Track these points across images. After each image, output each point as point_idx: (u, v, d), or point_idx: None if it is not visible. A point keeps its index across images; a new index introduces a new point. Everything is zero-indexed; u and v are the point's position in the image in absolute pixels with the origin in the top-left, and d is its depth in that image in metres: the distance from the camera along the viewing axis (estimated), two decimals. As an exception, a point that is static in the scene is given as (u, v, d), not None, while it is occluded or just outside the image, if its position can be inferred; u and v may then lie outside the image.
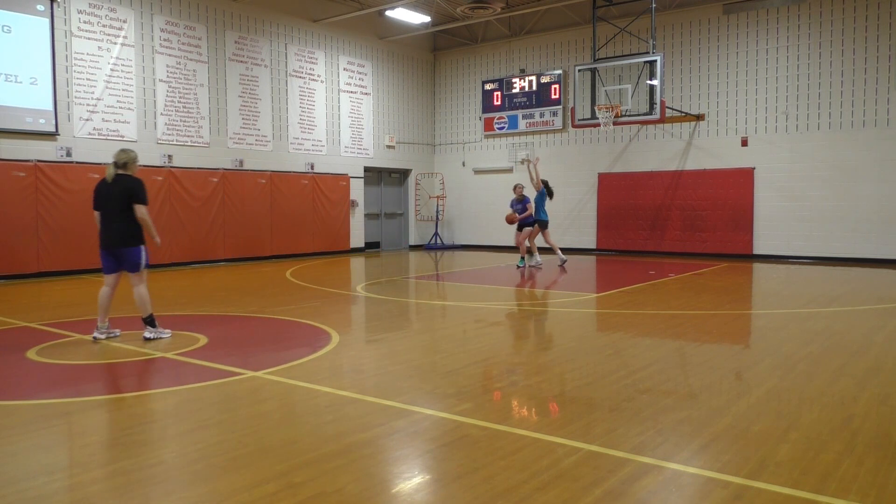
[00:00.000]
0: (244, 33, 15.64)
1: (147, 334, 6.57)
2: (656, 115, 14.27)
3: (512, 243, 19.31)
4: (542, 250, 15.16)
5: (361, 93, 18.53)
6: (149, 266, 6.81)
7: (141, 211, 6.47)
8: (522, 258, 13.95)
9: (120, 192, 6.46)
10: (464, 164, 20.35)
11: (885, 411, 4.27)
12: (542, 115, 18.63)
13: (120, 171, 6.54)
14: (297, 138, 16.85)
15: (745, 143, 15.81)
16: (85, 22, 12.90)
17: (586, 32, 17.30)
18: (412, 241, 20.52)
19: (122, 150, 6.65)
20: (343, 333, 6.98)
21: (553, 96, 18.38)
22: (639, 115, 14.80)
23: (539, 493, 3.06)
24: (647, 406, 4.40)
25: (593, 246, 17.85)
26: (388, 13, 17.38)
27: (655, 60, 14.05)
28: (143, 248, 6.60)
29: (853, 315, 7.92)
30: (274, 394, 4.78)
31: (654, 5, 14.44)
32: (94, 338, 6.56)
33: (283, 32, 16.48)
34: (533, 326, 7.64)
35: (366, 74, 18.62)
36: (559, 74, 18.24)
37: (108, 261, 6.61)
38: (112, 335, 6.69)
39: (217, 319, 7.94)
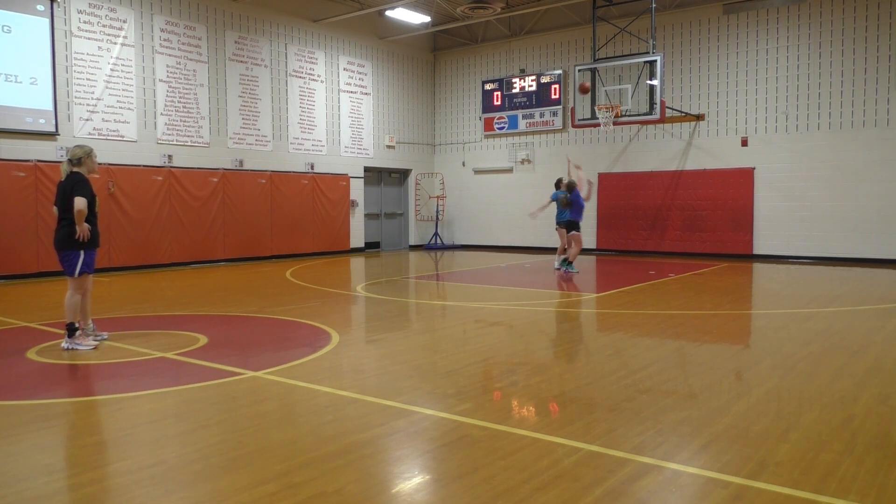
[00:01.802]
0: (244, 33, 15.64)
1: (63, 344, 6.18)
2: (656, 115, 14.27)
3: (516, 243, 19.33)
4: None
5: (361, 93, 18.53)
6: (92, 272, 6.40)
7: (78, 203, 6.02)
8: (569, 262, 12.62)
9: (64, 191, 6.15)
10: (464, 164, 20.35)
11: (885, 411, 4.27)
12: (542, 115, 18.63)
13: (74, 168, 6.21)
14: (297, 138, 16.85)
15: (745, 143, 15.81)
16: (85, 22, 12.90)
17: (586, 32, 17.30)
18: (412, 241, 20.52)
19: (77, 146, 6.34)
20: (343, 333, 6.98)
21: (553, 96, 18.38)
22: (639, 115, 14.80)
23: (539, 493, 3.06)
24: (647, 406, 4.40)
25: (593, 246, 17.84)
26: (388, 13, 17.38)
27: (655, 60, 14.05)
28: (80, 253, 6.20)
29: (853, 315, 7.92)
30: (274, 394, 4.78)
31: (654, 5, 14.45)
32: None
33: (283, 32, 16.48)
34: (533, 326, 7.64)
35: (366, 74, 18.62)
36: (559, 74, 18.23)
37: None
38: (99, 338, 6.51)
39: (217, 319, 7.94)
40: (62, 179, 6.25)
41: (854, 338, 6.60)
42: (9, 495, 3.10)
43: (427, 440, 3.83)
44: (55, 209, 6.29)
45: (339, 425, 4.06)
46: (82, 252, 6.24)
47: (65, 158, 6.29)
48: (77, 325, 6.26)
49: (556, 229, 13.28)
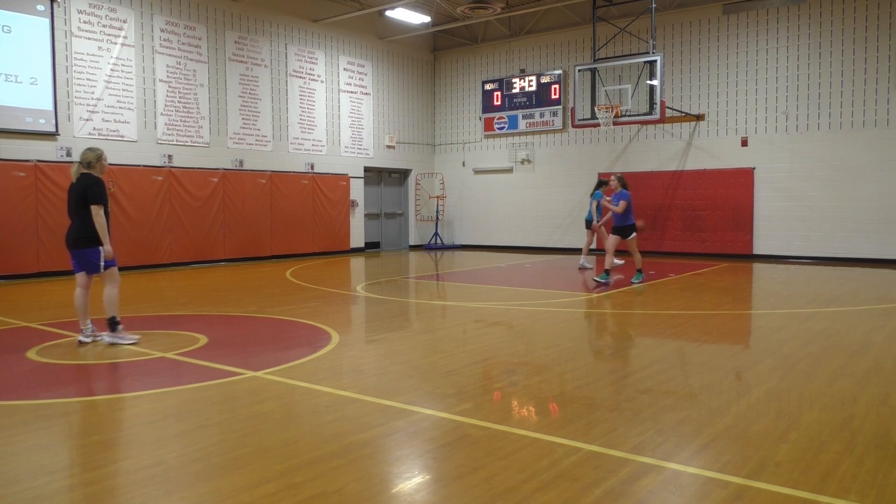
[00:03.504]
0: (244, 33, 15.64)
1: (106, 338, 6.35)
2: (656, 115, 14.27)
3: (516, 244, 19.32)
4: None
5: (361, 93, 18.52)
6: (114, 265, 6.51)
7: (94, 211, 6.24)
8: (607, 271, 11.14)
9: (77, 192, 6.30)
10: (464, 164, 20.35)
11: (885, 411, 4.27)
12: (542, 115, 18.63)
13: (84, 171, 6.34)
14: (297, 138, 16.85)
15: (745, 143, 15.81)
16: (85, 22, 12.90)
17: (586, 32, 17.30)
18: (412, 241, 20.52)
19: (89, 149, 6.45)
20: (343, 333, 6.98)
21: (553, 96, 18.38)
22: (639, 115, 14.80)
23: (539, 493, 3.06)
24: (647, 406, 4.40)
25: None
26: (388, 13, 17.37)
27: (655, 60, 14.05)
28: (100, 249, 6.35)
29: (853, 315, 7.92)
30: (274, 394, 4.78)
31: (654, 5, 14.44)
32: (80, 341, 6.44)
33: (283, 32, 16.48)
34: (533, 326, 7.64)
35: (366, 74, 18.62)
36: (559, 74, 18.23)
37: (73, 261, 6.49)
38: (97, 338, 6.48)
39: (217, 319, 7.94)
40: (73, 182, 6.35)
41: (854, 338, 6.60)
42: (9, 495, 3.10)
43: (427, 440, 3.83)
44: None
45: (339, 425, 4.06)
46: (100, 248, 6.35)
47: (76, 161, 6.42)
48: (118, 318, 6.38)
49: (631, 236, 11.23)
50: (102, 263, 6.35)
